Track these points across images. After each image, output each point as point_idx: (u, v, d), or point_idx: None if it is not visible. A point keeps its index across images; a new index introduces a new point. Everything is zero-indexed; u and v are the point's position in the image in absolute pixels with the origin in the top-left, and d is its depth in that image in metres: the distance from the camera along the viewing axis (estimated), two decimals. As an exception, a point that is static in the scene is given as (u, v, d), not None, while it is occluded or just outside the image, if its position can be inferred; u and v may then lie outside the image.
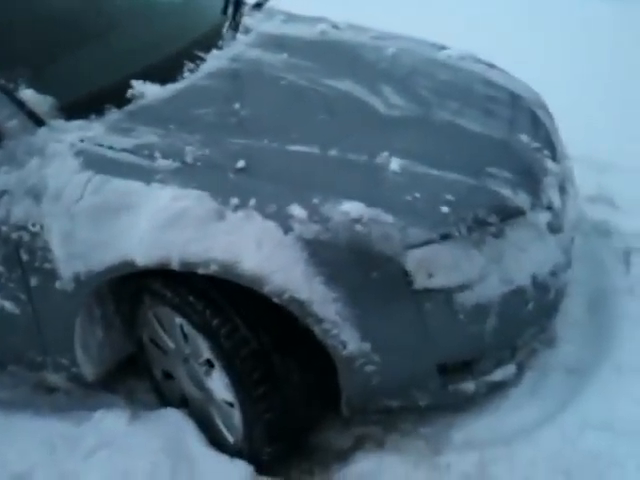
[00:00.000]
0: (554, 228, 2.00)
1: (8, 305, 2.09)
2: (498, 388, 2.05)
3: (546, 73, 3.21)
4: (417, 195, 1.83)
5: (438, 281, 1.77)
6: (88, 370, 2.14)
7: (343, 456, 2.08)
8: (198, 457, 2.00)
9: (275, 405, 1.89)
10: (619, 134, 3.31)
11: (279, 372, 1.87)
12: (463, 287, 1.79)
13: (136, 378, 2.38)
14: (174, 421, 2.09)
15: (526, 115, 2.32)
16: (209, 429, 2.09)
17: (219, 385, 1.96)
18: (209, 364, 1.96)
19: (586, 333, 2.30)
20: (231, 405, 1.96)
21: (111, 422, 2.11)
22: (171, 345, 2.06)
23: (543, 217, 1.97)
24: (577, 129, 2.82)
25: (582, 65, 3.95)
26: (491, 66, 2.60)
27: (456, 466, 1.93)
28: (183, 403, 2.17)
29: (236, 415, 1.95)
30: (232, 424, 2.00)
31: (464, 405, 2.06)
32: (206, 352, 1.92)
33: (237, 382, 1.87)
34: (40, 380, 2.34)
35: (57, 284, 1.97)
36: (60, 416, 2.25)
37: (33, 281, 2.00)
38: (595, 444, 1.91)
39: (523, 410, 2.05)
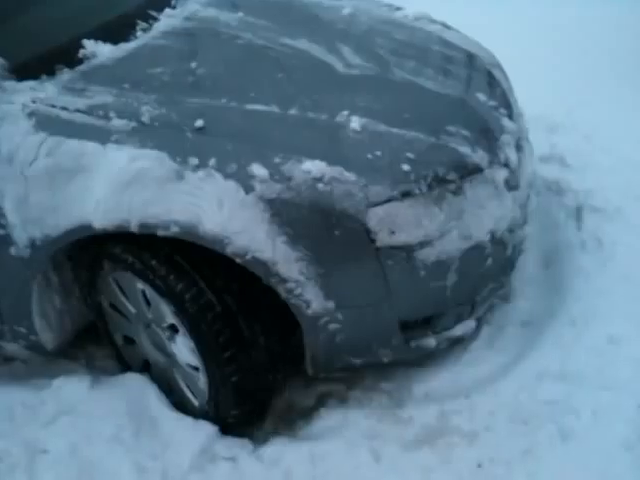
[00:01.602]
0: (511, 185, 2.03)
1: (-39, 273, 2.04)
2: (458, 342, 2.09)
3: (502, 36, 3.22)
4: (378, 153, 1.84)
5: (400, 238, 1.79)
6: (47, 339, 2.12)
7: (307, 414, 2.11)
8: (162, 419, 2.00)
9: (241, 368, 1.89)
10: (571, 96, 3.36)
11: (245, 335, 1.87)
12: (424, 244, 1.81)
13: (96, 345, 2.36)
14: (136, 385, 2.09)
15: (482, 74, 2.33)
16: (173, 393, 2.09)
17: (183, 350, 1.95)
18: (173, 329, 1.95)
19: (540, 288, 2.36)
20: (196, 369, 1.95)
21: (71, 388, 2.10)
22: (132, 310, 2.04)
23: (500, 174, 1.99)
24: (532, 89, 2.86)
25: (542, 28, 3.98)
26: (446, 26, 2.60)
27: (418, 419, 1.98)
28: (145, 368, 2.16)
29: (201, 379, 1.95)
30: (197, 388, 2.00)
31: (424, 360, 2.10)
32: (170, 317, 1.91)
33: (203, 346, 1.87)
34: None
35: (12, 250, 1.92)
36: (19, 384, 2.23)
37: (-14, 248, 1.95)
38: (551, 393, 1.97)
39: (481, 363, 2.11)
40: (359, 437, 1.94)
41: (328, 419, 2.04)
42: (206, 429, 1.98)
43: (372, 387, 2.12)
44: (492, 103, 2.18)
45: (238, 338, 1.86)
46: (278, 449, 1.94)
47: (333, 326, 1.84)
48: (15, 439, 2.00)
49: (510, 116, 2.19)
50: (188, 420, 2.00)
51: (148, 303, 1.96)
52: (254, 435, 2.06)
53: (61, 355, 2.31)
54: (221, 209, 1.72)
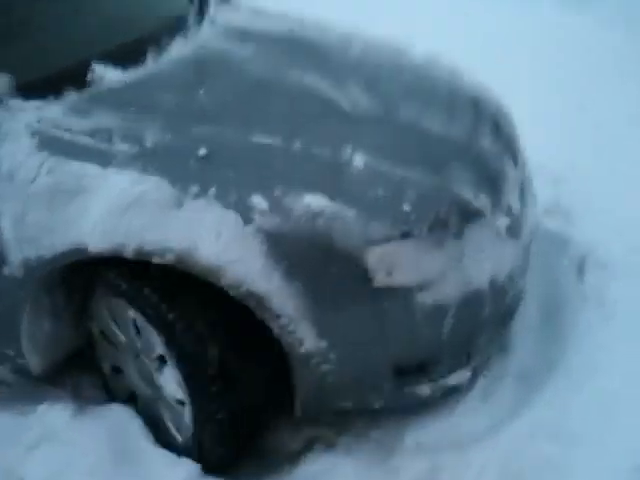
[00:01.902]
0: (513, 233, 2.01)
1: (-49, 290, 2.00)
2: (453, 392, 2.04)
3: (509, 81, 3.24)
4: (380, 192, 1.82)
5: (398, 279, 1.76)
6: (34, 362, 2.07)
7: (294, 458, 2.05)
8: (143, 454, 1.95)
9: (228, 404, 1.85)
10: (575, 147, 3.36)
11: (234, 371, 1.83)
12: (422, 286, 1.78)
13: (83, 372, 2.31)
14: (120, 417, 2.04)
15: (489, 120, 2.33)
16: (157, 427, 2.04)
17: (171, 382, 1.91)
18: (161, 360, 1.91)
19: (539, 340, 2.32)
20: (182, 403, 1.91)
21: (55, 415, 2.06)
22: (122, 339, 2.01)
23: (502, 221, 1.97)
24: (536, 137, 2.86)
25: (544, 76, 4.01)
26: (455, 70, 2.61)
27: (407, 470, 1.92)
28: (131, 399, 2.12)
29: (186, 414, 1.90)
30: (182, 423, 1.95)
31: (417, 409, 2.05)
32: (159, 347, 1.87)
33: (190, 379, 1.83)
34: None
35: (5, 270, 1.90)
36: (2, 408, 2.18)
37: (-21, 266, 1.92)
38: (545, 451, 1.91)
39: (475, 416, 2.06)
40: None
41: (315, 465, 1.98)
42: (187, 467, 1.92)
43: (362, 434, 2.07)
44: (497, 149, 2.17)
45: (227, 373, 1.82)
46: None
47: (325, 367, 1.80)
48: None
49: (515, 163, 2.19)
50: (170, 456, 1.95)
51: (138, 332, 1.93)
52: (238, 476, 2.00)
53: (47, 381, 2.26)
54: (218, 239, 1.70)
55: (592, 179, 3.10)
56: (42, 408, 2.08)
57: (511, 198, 2.07)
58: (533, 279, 2.48)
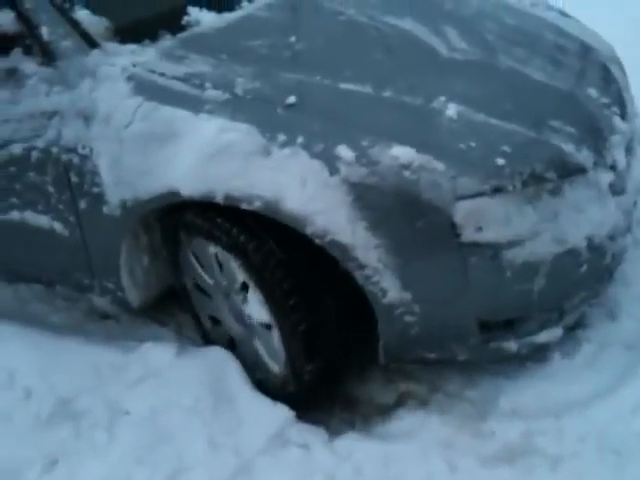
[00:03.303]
0: (616, 189, 1.89)
1: (58, 226, 2.13)
2: (542, 350, 1.97)
3: (625, 29, 3.02)
4: (472, 144, 1.75)
5: (487, 235, 1.70)
6: (133, 295, 2.17)
7: (385, 411, 2.05)
8: (240, 397, 2.00)
9: (307, 316, 1.86)
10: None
11: (310, 288, 1.84)
12: (513, 243, 1.72)
13: (186, 312, 2.37)
14: (220, 359, 2.10)
15: (597, 68, 2.19)
16: (256, 368, 2.09)
17: (255, 306, 1.94)
18: (244, 288, 1.94)
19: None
20: (269, 327, 1.94)
21: (158, 354, 2.13)
22: (210, 282, 2.06)
23: (605, 177, 1.86)
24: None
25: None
26: (564, 14, 2.46)
27: (500, 434, 1.87)
28: (230, 346, 2.17)
29: (275, 336, 1.93)
30: (273, 350, 1.99)
31: (515, 371, 2.00)
32: (239, 274, 1.90)
33: (269, 296, 1.85)
34: (88, 304, 2.39)
35: (104, 209, 1.98)
36: (109, 344, 2.29)
37: (82, 204, 2.02)
38: None
39: (577, 383, 1.97)
40: (436, 444, 1.85)
41: (406, 421, 1.97)
42: (283, 412, 1.96)
43: (456, 393, 2.03)
44: (604, 100, 2.04)
45: (301, 286, 1.84)
46: (351, 444, 1.89)
47: (408, 318, 1.78)
48: (99, 397, 2.05)
49: (623, 116, 2.05)
50: (266, 401, 1.99)
51: (221, 268, 1.97)
52: (330, 424, 2.03)
53: (152, 319, 2.37)
54: (304, 188, 1.70)
55: None
56: (146, 346, 2.17)
57: (616, 152, 1.94)
58: None
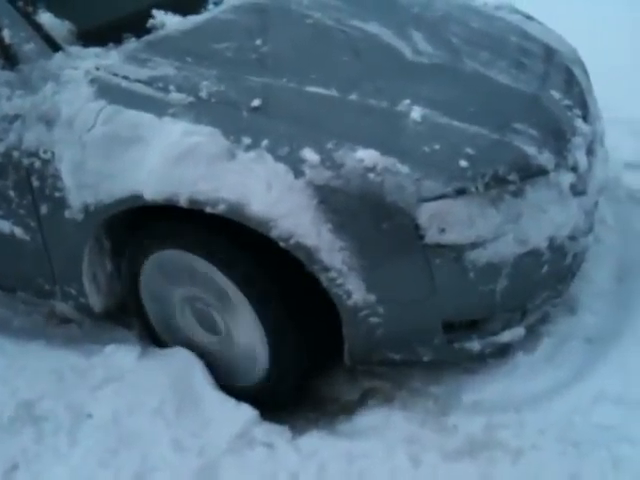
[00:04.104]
0: (577, 190, 1.92)
1: (18, 231, 2.10)
2: (505, 349, 2.00)
3: (590, 31, 3.06)
4: (436, 147, 1.77)
5: (450, 237, 1.72)
6: (95, 301, 2.15)
7: (350, 409, 2.06)
8: (205, 398, 2.00)
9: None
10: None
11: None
12: (475, 245, 1.74)
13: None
14: (184, 361, 2.09)
15: (560, 71, 2.22)
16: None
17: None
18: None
19: (610, 303, 2.22)
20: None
21: (121, 357, 2.12)
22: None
23: (567, 178, 1.88)
24: (618, 91, 2.70)
25: (629, 27, 3.76)
26: (529, 18, 2.48)
27: (463, 428, 1.89)
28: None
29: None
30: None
31: (477, 367, 2.02)
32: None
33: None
34: (50, 309, 2.36)
35: (66, 213, 1.96)
36: (72, 347, 2.27)
37: (43, 209, 2.00)
38: (607, 417, 1.85)
39: (537, 377, 2.00)
40: (399, 440, 1.87)
41: (369, 417, 1.98)
42: (247, 412, 1.96)
43: (419, 390, 2.05)
44: (567, 102, 2.07)
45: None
46: (316, 442, 1.90)
47: (373, 320, 1.79)
48: (61, 401, 2.04)
49: (585, 117, 2.08)
50: (231, 402, 1.99)
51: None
52: (295, 423, 2.04)
53: (116, 322, 2.34)
54: (269, 191, 1.70)
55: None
56: (109, 349, 2.15)
57: (578, 154, 1.96)
58: (609, 238, 2.40)
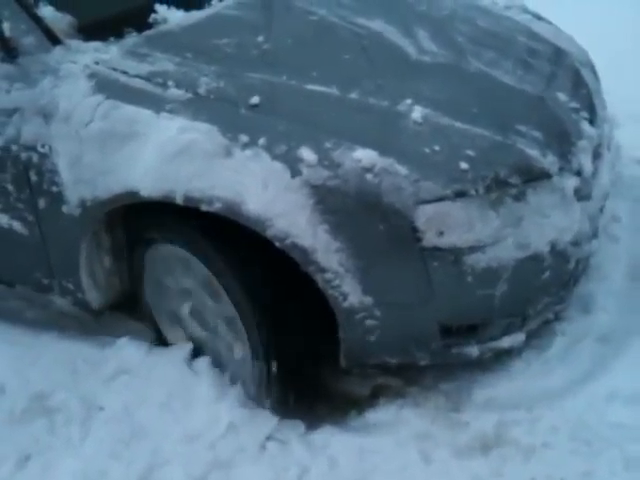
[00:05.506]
0: (582, 195, 1.88)
1: (17, 225, 2.09)
2: (505, 354, 1.98)
3: (602, 31, 3.01)
4: (436, 148, 1.73)
5: (448, 240, 1.69)
6: (93, 297, 2.13)
7: (361, 404, 2.05)
8: (211, 393, 1.98)
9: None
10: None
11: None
12: (474, 249, 1.71)
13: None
14: (190, 355, 2.09)
15: (568, 72, 2.18)
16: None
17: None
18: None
19: (624, 302, 2.20)
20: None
21: (133, 350, 2.13)
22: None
23: (571, 182, 1.84)
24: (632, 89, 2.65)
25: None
26: (538, 18, 2.44)
27: (474, 425, 1.88)
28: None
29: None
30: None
31: (490, 364, 2.00)
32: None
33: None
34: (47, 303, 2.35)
35: (64, 208, 1.95)
36: (85, 339, 2.28)
37: (41, 203, 1.99)
38: (620, 416, 1.84)
39: (550, 375, 1.99)
40: (410, 436, 1.87)
41: (381, 413, 1.98)
42: (258, 408, 1.96)
43: (431, 386, 2.04)
44: (573, 105, 2.03)
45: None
46: (327, 437, 1.90)
47: (370, 322, 1.77)
48: (74, 393, 2.05)
49: (592, 121, 2.03)
50: (240, 397, 1.98)
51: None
52: (306, 418, 2.01)
53: (128, 315, 2.34)
54: (265, 190, 1.68)
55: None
56: (121, 342, 2.16)
57: (583, 158, 1.92)
58: (625, 237, 2.38)
